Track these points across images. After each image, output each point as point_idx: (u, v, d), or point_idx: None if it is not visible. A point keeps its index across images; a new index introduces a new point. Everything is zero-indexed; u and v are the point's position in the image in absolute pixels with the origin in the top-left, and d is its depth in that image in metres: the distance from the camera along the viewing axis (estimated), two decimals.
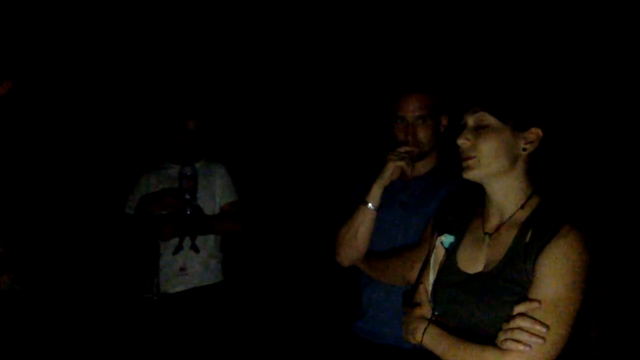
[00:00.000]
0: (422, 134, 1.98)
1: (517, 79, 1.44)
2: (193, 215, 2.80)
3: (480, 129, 1.39)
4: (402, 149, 1.94)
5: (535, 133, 1.39)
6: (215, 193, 2.94)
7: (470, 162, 1.40)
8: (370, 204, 1.90)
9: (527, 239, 1.33)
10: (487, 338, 1.33)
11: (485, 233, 1.43)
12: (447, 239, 1.51)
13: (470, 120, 1.42)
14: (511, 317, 1.27)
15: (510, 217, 1.40)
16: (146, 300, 2.80)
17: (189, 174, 2.77)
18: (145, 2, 4.14)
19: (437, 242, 1.53)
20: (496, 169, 1.39)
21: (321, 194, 4.36)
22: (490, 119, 1.38)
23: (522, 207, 1.40)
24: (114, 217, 2.96)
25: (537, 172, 1.43)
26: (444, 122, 2.03)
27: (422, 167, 2.05)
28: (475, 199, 1.50)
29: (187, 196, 2.77)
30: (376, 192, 1.90)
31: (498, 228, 1.41)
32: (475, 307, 1.35)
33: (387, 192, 1.94)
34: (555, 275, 1.26)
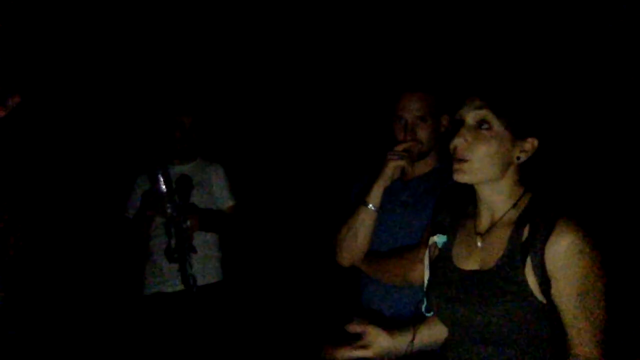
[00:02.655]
0: (422, 134, 1.97)
1: (524, 83, 1.38)
2: (180, 214, 2.78)
3: (480, 130, 1.33)
4: (401, 148, 1.94)
5: (531, 143, 1.35)
6: (213, 194, 2.93)
7: (464, 166, 1.34)
8: (370, 205, 1.90)
9: (524, 237, 1.31)
10: (484, 337, 1.33)
11: (477, 233, 1.42)
12: (440, 239, 1.49)
13: (470, 117, 1.35)
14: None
15: (501, 216, 1.38)
16: (185, 291, 2.79)
17: (160, 177, 2.70)
18: (137, 0, 4.13)
19: (430, 242, 1.52)
20: (488, 175, 1.35)
21: (321, 194, 4.36)
22: (494, 120, 1.33)
23: (513, 206, 1.37)
24: (115, 221, 2.96)
25: (528, 176, 1.39)
26: (444, 122, 2.02)
27: (423, 167, 2.04)
28: (467, 197, 1.47)
29: (164, 191, 2.70)
30: (376, 192, 1.90)
31: (490, 228, 1.40)
32: (472, 306, 1.34)
33: (388, 192, 1.93)
34: (574, 270, 1.25)
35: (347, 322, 1.54)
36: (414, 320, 1.52)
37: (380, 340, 1.50)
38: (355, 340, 1.53)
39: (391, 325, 1.54)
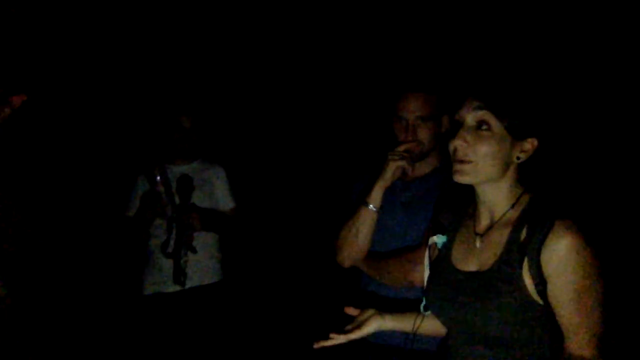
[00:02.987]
0: (423, 134, 1.97)
1: (523, 84, 1.37)
2: (179, 214, 2.79)
3: (479, 130, 1.33)
4: (402, 148, 1.93)
5: (531, 143, 1.35)
6: (214, 196, 2.93)
7: (466, 167, 1.33)
8: (371, 205, 1.90)
9: (522, 238, 1.31)
10: (481, 338, 1.33)
11: (477, 234, 1.41)
12: (440, 239, 1.49)
13: (469, 118, 1.34)
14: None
15: (500, 217, 1.37)
16: (185, 291, 2.80)
17: (158, 179, 2.71)
18: (137, 1, 4.13)
19: (430, 242, 1.52)
20: (489, 176, 1.34)
21: (322, 194, 4.36)
22: (493, 121, 1.32)
23: (512, 206, 1.37)
24: (116, 221, 2.96)
25: (527, 175, 1.39)
26: (445, 122, 2.01)
27: (424, 168, 2.04)
28: (468, 197, 1.47)
29: (162, 193, 2.73)
30: (377, 193, 1.89)
31: (489, 228, 1.39)
32: (469, 307, 1.34)
33: (389, 192, 1.93)
34: (570, 272, 1.25)
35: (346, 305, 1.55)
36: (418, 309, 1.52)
37: (372, 320, 1.50)
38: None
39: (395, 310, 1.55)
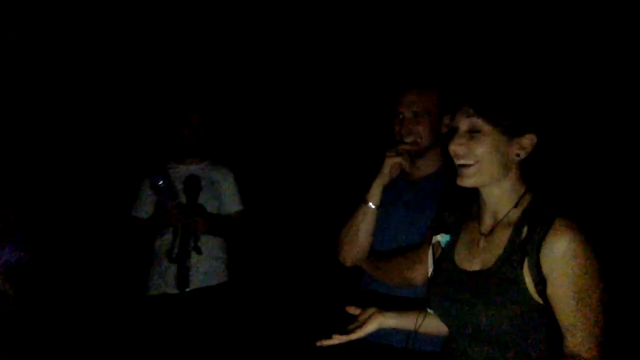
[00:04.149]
0: (419, 129, 1.97)
1: (514, 83, 1.39)
2: (186, 215, 2.80)
3: (472, 134, 1.35)
4: (400, 147, 1.94)
5: (529, 139, 1.36)
6: (221, 198, 2.94)
7: (469, 170, 1.36)
8: (370, 203, 1.90)
9: (523, 236, 1.32)
10: (482, 337, 1.34)
11: (481, 234, 1.43)
12: (444, 238, 1.50)
13: (462, 124, 1.37)
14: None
15: (504, 217, 1.39)
16: (176, 295, 2.80)
17: (162, 185, 2.70)
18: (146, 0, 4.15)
19: (434, 241, 1.53)
20: (491, 176, 1.36)
21: (324, 195, 4.37)
22: (485, 126, 1.34)
23: (515, 206, 1.38)
24: (123, 221, 2.98)
25: (529, 173, 1.40)
26: (447, 122, 1.99)
27: (427, 169, 2.04)
28: (471, 197, 1.48)
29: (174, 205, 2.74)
30: (376, 190, 1.90)
31: (493, 228, 1.41)
32: (470, 305, 1.35)
33: (391, 192, 1.94)
34: (569, 270, 1.25)
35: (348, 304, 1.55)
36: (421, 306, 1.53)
37: (373, 319, 1.50)
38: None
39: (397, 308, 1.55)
